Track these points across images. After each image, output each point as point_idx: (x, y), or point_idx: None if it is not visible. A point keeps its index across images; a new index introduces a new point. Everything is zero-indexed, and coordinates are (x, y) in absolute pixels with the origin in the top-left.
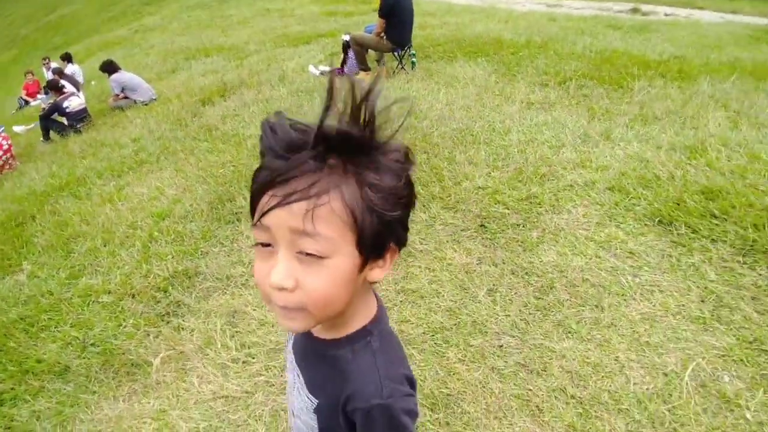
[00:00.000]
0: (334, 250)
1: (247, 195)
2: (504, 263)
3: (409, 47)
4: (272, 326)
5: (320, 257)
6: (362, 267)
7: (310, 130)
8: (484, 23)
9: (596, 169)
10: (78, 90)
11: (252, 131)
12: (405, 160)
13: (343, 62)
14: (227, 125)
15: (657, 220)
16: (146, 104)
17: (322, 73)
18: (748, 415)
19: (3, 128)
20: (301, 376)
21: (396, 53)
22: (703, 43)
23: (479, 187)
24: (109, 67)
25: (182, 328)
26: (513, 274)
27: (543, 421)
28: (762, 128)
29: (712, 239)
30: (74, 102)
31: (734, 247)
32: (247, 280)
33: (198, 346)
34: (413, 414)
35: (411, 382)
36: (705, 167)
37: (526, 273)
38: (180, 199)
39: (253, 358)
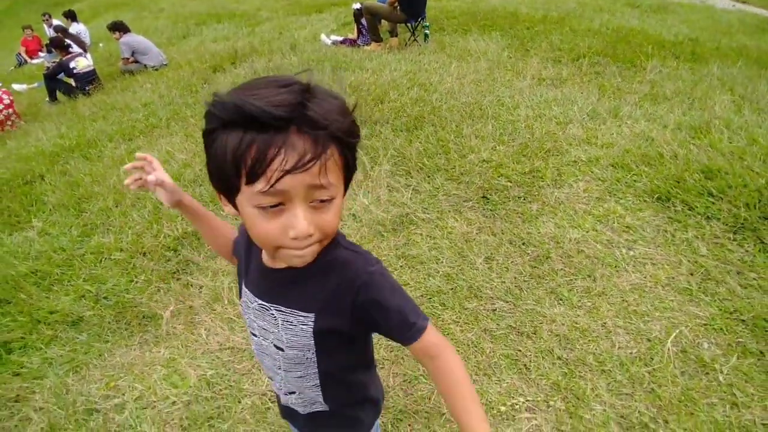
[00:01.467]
0: (337, 191)
1: None
2: (503, 233)
3: (422, 19)
4: None
5: (330, 200)
6: (346, 190)
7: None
8: None
9: (601, 145)
10: (85, 51)
11: None
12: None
13: (359, 32)
14: None
15: (656, 196)
16: (156, 69)
17: (333, 43)
18: (721, 378)
19: (1, 84)
20: (284, 306)
21: (409, 24)
22: (715, 28)
23: (484, 160)
24: (120, 26)
25: (191, 285)
26: (511, 243)
27: (530, 378)
28: (762, 113)
29: (707, 216)
30: (81, 63)
31: (726, 225)
32: None
33: (206, 302)
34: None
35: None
36: (708, 147)
37: (524, 243)
38: (190, 163)
39: None
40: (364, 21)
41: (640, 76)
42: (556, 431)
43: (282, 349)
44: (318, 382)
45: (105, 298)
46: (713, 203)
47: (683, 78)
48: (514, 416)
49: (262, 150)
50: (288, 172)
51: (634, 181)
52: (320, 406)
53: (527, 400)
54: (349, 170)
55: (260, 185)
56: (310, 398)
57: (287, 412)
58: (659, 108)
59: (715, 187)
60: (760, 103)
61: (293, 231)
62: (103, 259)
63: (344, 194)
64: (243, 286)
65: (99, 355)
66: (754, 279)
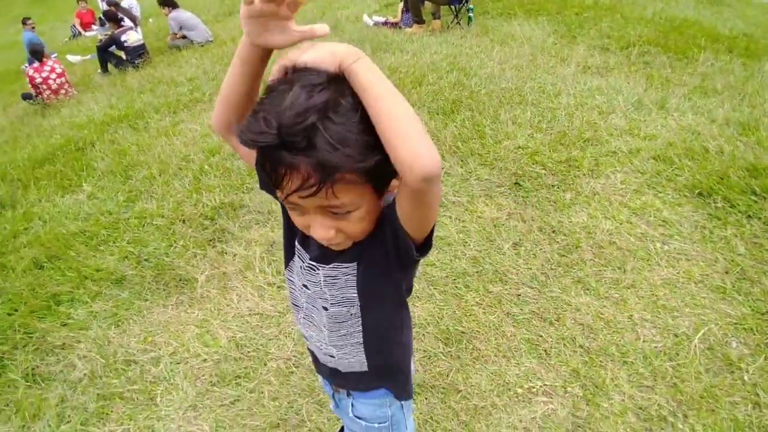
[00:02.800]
0: (358, 203)
1: None
2: (533, 220)
3: (467, 1)
4: None
5: (348, 212)
6: (381, 195)
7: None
8: None
9: (644, 137)
10: (135, 25)
11: None
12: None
13: (403, 11)
14: None
15: (697, 192)
16: (202, 45)
17: (375, 24)
18: (746, 377)
19: (56, 54)
20: (329, 263)
21: (453, 6)
22: None
23: (519, 147)
24: (170, 2)
25: (225, 253)
26: (540, 231)
27: (549, 364)
28: None
29: (749, 215)
30: (132, 37)
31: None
32: None
33: (239, 269)
34: None
35: None
36: (755, 145)
37: (554, 231)
38: None
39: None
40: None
41: (691, 68)
42: (572, 416)
43: (326, 308)
44: (361, 339)
45: (146, 260)
46: (756, 202)
47: (735, 73)
48: (530, 399)
49: (274, 167)
50: (295, 191)
51: (676, 175)
52: (358, 365)
53: (545, 385)
54: (375, 180)
55: (280, 194)
56: (350, 358)
57: (321, 369)
58: (708, 102)
59: (759, 185)
60: None
61: (316, 236)
62: (146, 224)
63: (380, 196)
64: (297, 244)
65: (139, 312)
66: None
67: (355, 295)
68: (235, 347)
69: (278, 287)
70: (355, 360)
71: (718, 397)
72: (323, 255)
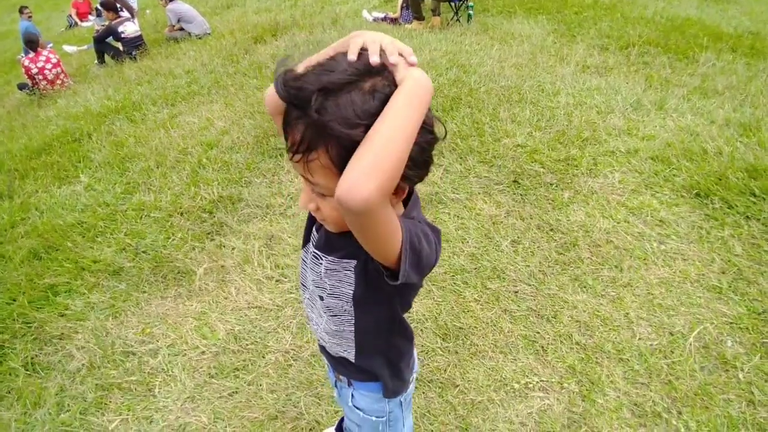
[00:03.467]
0: (333, 191)
1: None
2: (531, 218)
3: None
4: None
5: (325, 195)
6: None
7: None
8: None
9: (642, 137)
10: (132, 16)
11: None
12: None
13: (403, 8)
14: None
15: (695, 192)
16: (200, 38)
17: (375, 20)
18: (741, 376)
19: (51, 44)
20: (330, 254)
21: (453, 4)
22: None
23: (518, 145)
24: None
25: (224, 246)
26: (538, 228)
27: (545, 360)
28: None
29: (747, 216)
30: (129, 28)
31: (766, 226)
32: (285, 209)
33: (237, 263)
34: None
35: (432, 228)
36: (755, 146)
37: (552, 229)
38: (228, 131)
39: (286, 277)
40: None
41: (692, 68)
42: (568, 412)
43: (322, 298)
44: (353, 336)
45: (144, 252)
46: (754, 203)
47: (738, 73)
48: (527, 394)
49: (286, 119)
50: (288, 150)
51: (673, 175)
52: (346, 355)
53: (541, 380)
54: None
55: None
56: (339, 349)
57: (321, 348)
58: (708, 102)
59: (758, 186)
60: None
61: (300, 202)
62: (144, 216)
63: None
64: (313, 231)
65: (136, 303)
66: None
67: (351, 291)
68: (233, 340)
69: (276, 281)
70: (343, 351)
71: (713, 394)
72: (326, 243)
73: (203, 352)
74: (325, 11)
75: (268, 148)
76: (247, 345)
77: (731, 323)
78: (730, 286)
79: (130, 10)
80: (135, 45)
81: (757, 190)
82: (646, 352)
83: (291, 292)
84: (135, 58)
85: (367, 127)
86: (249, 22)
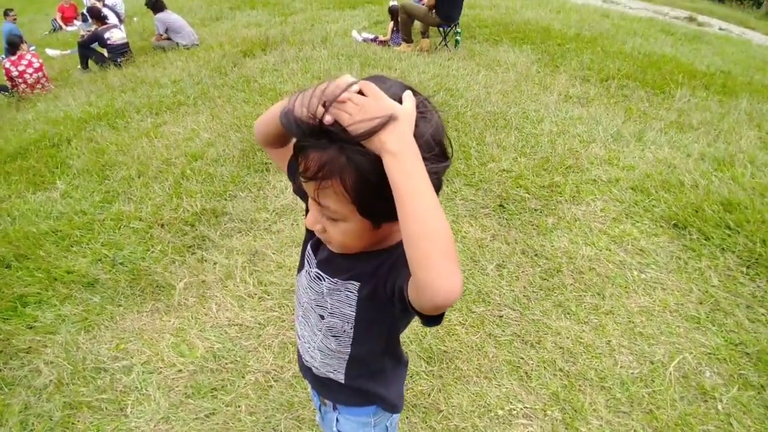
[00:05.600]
0: (343, 216)
1: None
2: (516, 243)
3: (455, 24)
4: (289, 269)
5: (334, 219)
6: (377, 225)
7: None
8: (535, 10)
9: (622, 168)
10: (119, 23)
11: (289, 88)
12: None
13: (393, 31)
14: (266, 79)
15: (673, 223)
16: (188, 48)
17: (364, 40)
18: (720, 407)
19: (34, 47)
20: (334, 275)
21: (442, 29)
22: (749, 63)
23: (504, 170)
24: (156, 3)
25: (205, 260)
26: (523, 253)
27: (529, 386)
28: None
29: (722, 248)
30: (116, 35)
31: (741, 258)
32: (270, 225)
33: (219, 278)
34: None
35: None
36: (729, 180)
37: (536, 254)
38: (213, 143)
39: (269, 295)
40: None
41: (668, 103)
42: None
43: (323, 317)
44: (347, 357)
45: (121, 263)
46: (729, 236)
47: (711, 109)
48: (510, 421)
49: (299, 145)
50: (301, 174)
51: (653, 205)
52: (334, 376)
53: (525, 407)
54: (361, 206)
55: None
56: (330, 369)
57: (305, 370)
58: (684, 137)
59: (733, 219)
60: None
61: (306, 221)
62: (122, 227)
63: (373, 226)
64: (309, 248)
65: (111, 317)
66: (763, 314)
67: (353, 312)
68: (212, 358)
69: (259, 298)
70: (333, 371)
71: (693, 425)
72: (329, 263)
73: (180, 371)
74: (316, 29)
75: (254, 162)
76: (226, 364)
77: (709, 354)
78: (707, 317)
79: (117, 16)
80: (121, 52)
81: (731, 223)
82: (627, 380)
83: (274, 310)
84: (120, 65)
85: None
86: (238, 35)
